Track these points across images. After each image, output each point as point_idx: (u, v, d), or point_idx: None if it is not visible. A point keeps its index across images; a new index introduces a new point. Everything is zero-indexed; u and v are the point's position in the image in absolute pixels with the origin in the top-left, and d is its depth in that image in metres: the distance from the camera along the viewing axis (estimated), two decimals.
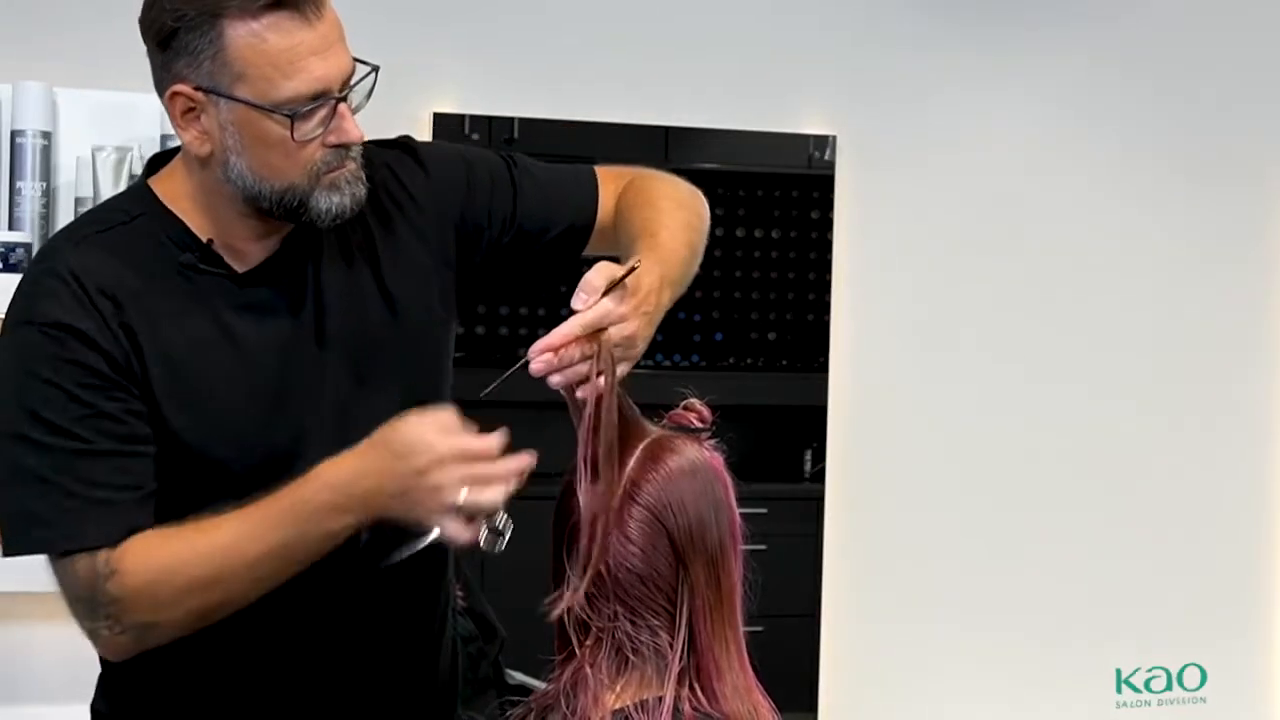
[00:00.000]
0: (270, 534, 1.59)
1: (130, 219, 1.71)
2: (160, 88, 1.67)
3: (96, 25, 3.11)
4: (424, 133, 3.41)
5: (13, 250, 2.66)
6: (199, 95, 1.63)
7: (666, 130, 3.63)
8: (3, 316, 1.71)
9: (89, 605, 1.62)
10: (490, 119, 3.49)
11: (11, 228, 2.73)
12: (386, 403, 1.73)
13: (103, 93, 2.87)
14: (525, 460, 1.58)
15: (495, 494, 1.55)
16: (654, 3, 3.63)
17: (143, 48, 1.69)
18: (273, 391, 1.71)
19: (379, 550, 1.66)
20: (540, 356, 1.55)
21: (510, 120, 3.51)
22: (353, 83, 1.66)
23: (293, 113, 1.61)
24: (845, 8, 3.75)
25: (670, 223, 1.80)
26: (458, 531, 1.55)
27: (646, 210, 1.82)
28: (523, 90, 3.52)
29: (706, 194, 1.93)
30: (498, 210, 1.85)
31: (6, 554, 1.65)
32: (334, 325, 1.74)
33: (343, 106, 1.65)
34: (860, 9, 3.76)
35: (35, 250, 2.70)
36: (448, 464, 1.54)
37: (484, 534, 1.57)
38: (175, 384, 1.67)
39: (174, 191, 1.72)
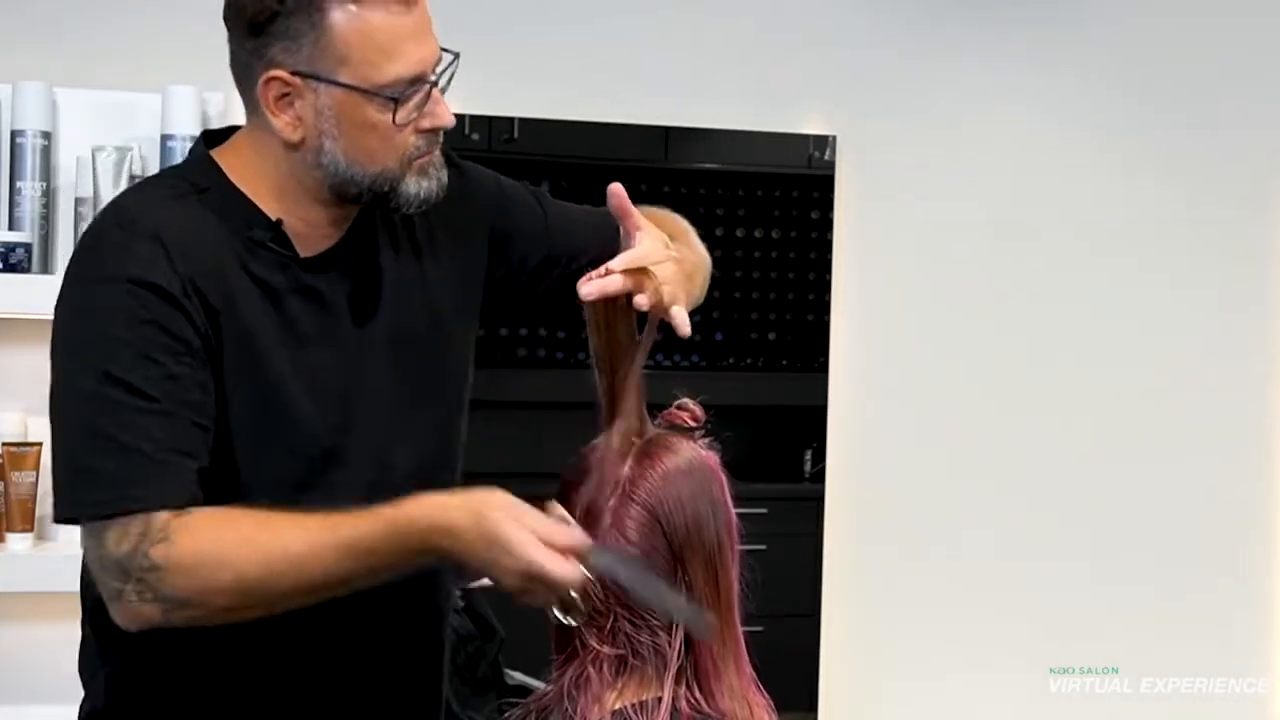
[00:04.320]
0: (338, 563, 1.52)
1: (200, 191, 1.68)
2: (248, 74, 1.64)
3: (96, 25, 3.11)
4: None
5: (13, 250, 2.65)
6: (296, 80, 1.62)
7: (666, 130, 3.63)
8: (71, 270, 1.65)
9: (121, 568, 1.53)
10: (490, 119, 3.49)
11: (11, 228, 2.73)
12: (419, 401, 1.76)
13: (103, 93, 2.86)
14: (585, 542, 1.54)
15: (569, 584, 1.51)
16: (654, 3, 3.63)
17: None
18: (326, 381, 1.70)
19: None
20: (589, 284, 1.63)
21: (510, 120, 3.51)
22: (440, 69, 1.67)
23: (396, 95, 1.62)
24: (845, 8, 3.75)
25: (691, 239, 1.89)
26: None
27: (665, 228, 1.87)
28: (523, 90, 3.52)
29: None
30: (526, 230, 1.89)
31: (59, 517, 1.60)
32: (384, 321, 1.74)
33: (436, 91, 1.66)
34: (861, 9, 3.76)
35: (35, 250, 2.70)
36: (534, 580, 1.50)
37: (555, 612, 1.53)
38: (243, 366, 1.64)
39: (242, 169, 1.70)
